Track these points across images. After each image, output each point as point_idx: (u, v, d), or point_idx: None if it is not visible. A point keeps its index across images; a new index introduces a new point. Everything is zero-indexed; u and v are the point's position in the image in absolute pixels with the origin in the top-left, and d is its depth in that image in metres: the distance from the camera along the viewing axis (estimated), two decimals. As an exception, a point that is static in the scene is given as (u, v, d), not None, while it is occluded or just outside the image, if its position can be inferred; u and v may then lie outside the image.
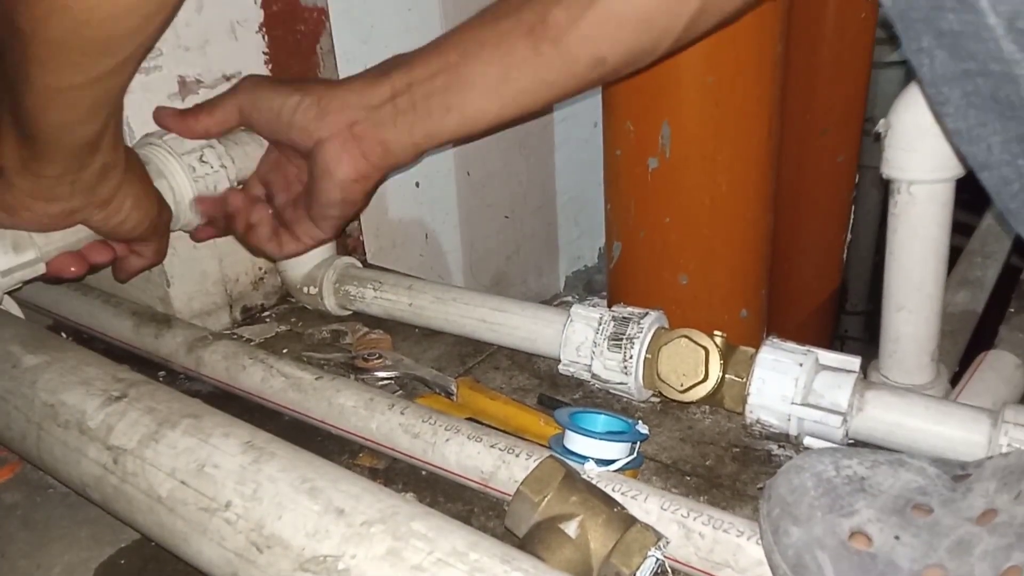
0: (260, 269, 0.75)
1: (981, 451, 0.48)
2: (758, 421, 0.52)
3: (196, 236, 0.67)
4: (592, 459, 0.47)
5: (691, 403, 0.56)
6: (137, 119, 0.64)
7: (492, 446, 0.49)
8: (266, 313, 0.76)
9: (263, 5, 0.71)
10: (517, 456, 0.48)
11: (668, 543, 0.42)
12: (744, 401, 0.52)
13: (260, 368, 0.59)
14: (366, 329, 0.70)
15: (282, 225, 0.66)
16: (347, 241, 0.88)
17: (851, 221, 1.40)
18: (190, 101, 0.67)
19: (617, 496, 0.44)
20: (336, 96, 0.59)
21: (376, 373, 0.63)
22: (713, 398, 0.54)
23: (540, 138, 1.14)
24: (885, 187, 0.65)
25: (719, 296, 0.87)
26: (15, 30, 0.43)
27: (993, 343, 0.80)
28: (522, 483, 0.42)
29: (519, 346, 0.63)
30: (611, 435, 0.49)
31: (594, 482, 0.44)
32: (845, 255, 1.41)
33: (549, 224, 1.21)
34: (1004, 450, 0.46)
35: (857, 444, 0.52)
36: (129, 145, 0.62)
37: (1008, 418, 0.47)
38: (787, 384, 0.51)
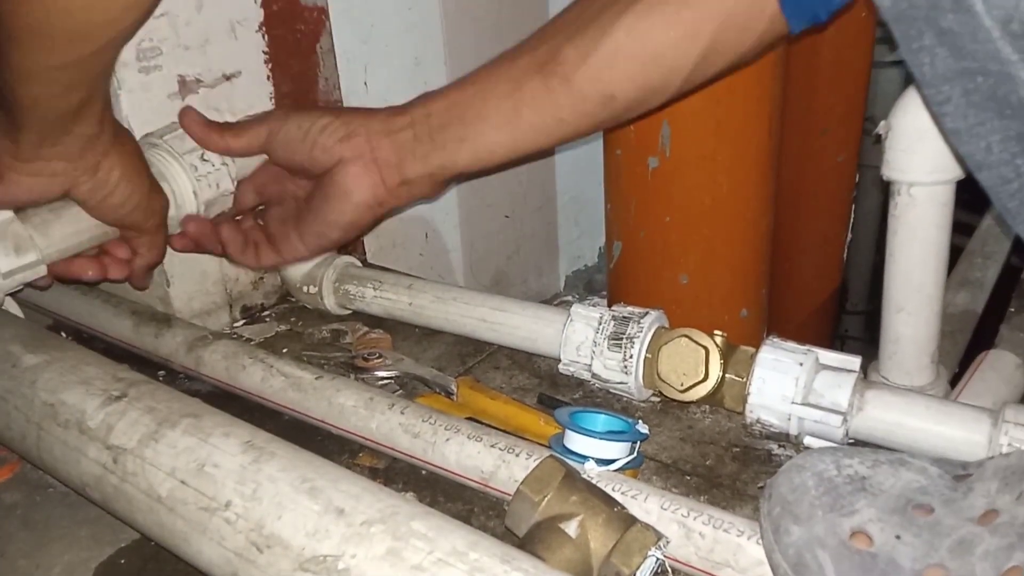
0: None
1: (981, 451, 0.48)
2: (758, 421, 0.52)
3: (173, 244, 0.67)
4: (592, 459, 0.47)
5: (691, 403, 0.56)
6: (137, 119, 0.64)
7: (492, 446, 0.49)
8: (266, 313, 0.76)
9: (263, 4, 0.71)
10: (517, 456, 0.48)
11: (668, 543, 0.42)
12: (744, 401, 0.52)
13: (260, 368, 0.59)
14: (366, 328, 0.70)
15: (266, 237, 0.67)
16: (347, 241, 0.88)
17: (851, 221, 1.40)
18: (190, 100, 0.67)
19: (617, 496, 0.44)
20: (362, 121, 0.61)
21: (376, 373, 0.63)
22: (713, 398, 0.54)
23: (540, 138, 1.13)
24: (885, 187, 0.65)
25: (719, 296, 0.87)
26: None
27: (993, 343, 0.79)
28: (522, 483, 0.42)
29: (519, 346, 0.63)
30: (611, 435, 0.49)
31: (594, 482, 0.44)
32: (845, 255, 1.41)
33: (549, 224, 1.21)
34: (1004, 450, 0.46)
35: (857, 444, 0.52)
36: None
37: (1008, 418, 0.47)
38: (787, 384, 0.51)
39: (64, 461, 0.46)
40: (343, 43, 0.81)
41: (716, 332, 0.54)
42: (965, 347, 0.92)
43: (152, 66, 0.64)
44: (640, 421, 0.51)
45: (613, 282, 0.94)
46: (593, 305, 0.59)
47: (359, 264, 0.74)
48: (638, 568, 0.39)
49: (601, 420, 0.51)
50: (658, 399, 0.60)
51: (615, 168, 0.87)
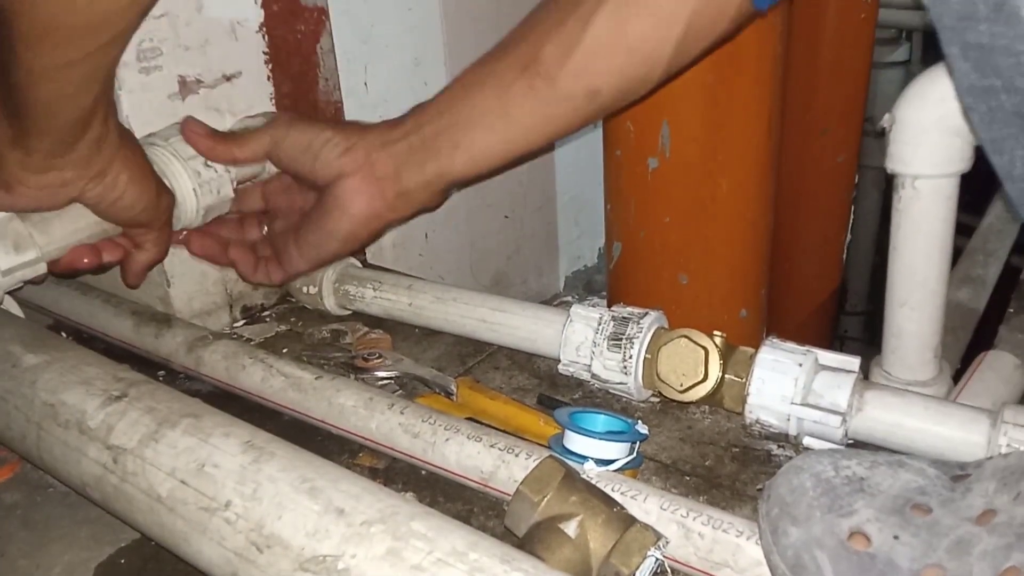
0: (260, 269, 0.75)
1: (980, 451, 0.48)
2: (757, 421, 0.52)
3: (191, 246, 0.68)
4: (592, 459, 0.47)
5: (691, 403, 0.56)
6: (137, 119, 0.64)
7: (492, 446, 0.49)
8: (266, 313, 0.76)
9: (263, 5, 0.71)
10: (517, 456, 0.48)
11: (668, 543, 0.42)
12: (744, 401, 0.52)
13: (260, 368, 0.59)
14: (366, 329, 0.70)
15: (273, 251, 0.67)
16: (347, 241, 0.88)
17: (851, 221, 1.40)
18: (190, 101, 0.67)
19: (617, 496, 0.44)
20: (360, 135, 0.62)
21: (376, 373, 0.63)
22: (713, 398, 0.54)
23: (540, 138, 1.13)
24: (885, 187, 0.65)
25: (719, 296, 0.87)
26: (0, 11, 0.44)
27: (993, 343, 0.80)
28: (522, 483, 0.42)
29: (519, 346, 0.63)
30: (611, 435, 0.49)
31: (594, 482, 0.44)
32: (845, 255, 1.41)
33: (549, 224, 1.21)
34: (1003, 450, 0.46)
35: (857, 444, 0.52)
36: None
37: (1007, 418, 0.47)
38: (787, 384, 0.51)
39: (64, 461, 0.47)
40: (343, 43, 0.81)
41: (715, 332, 0.54)
42: (967, 344, 0.92)
43: (152, 66, 0.64)
44: (640, 421, 0.51)
45: (613, 282, 0.94)
46: (593, 305, 0.59)
47: (359, 265, 0.74)
48: (637, 568, 0.39)
49: (601, 420, 0.51)
50: (658, 399, 0.60)
51: (615, 168, 0.87)
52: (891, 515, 0.37)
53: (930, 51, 1.74)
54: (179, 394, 0.47)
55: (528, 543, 0.40)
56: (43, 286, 0.68)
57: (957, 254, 1.08)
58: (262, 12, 0.71)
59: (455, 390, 0.59)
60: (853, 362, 0.52)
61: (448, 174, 0.61)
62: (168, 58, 0.65)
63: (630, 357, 0.56)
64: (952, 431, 0.49)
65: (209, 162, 0.64)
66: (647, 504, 0.44)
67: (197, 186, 0.64)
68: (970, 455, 0.48)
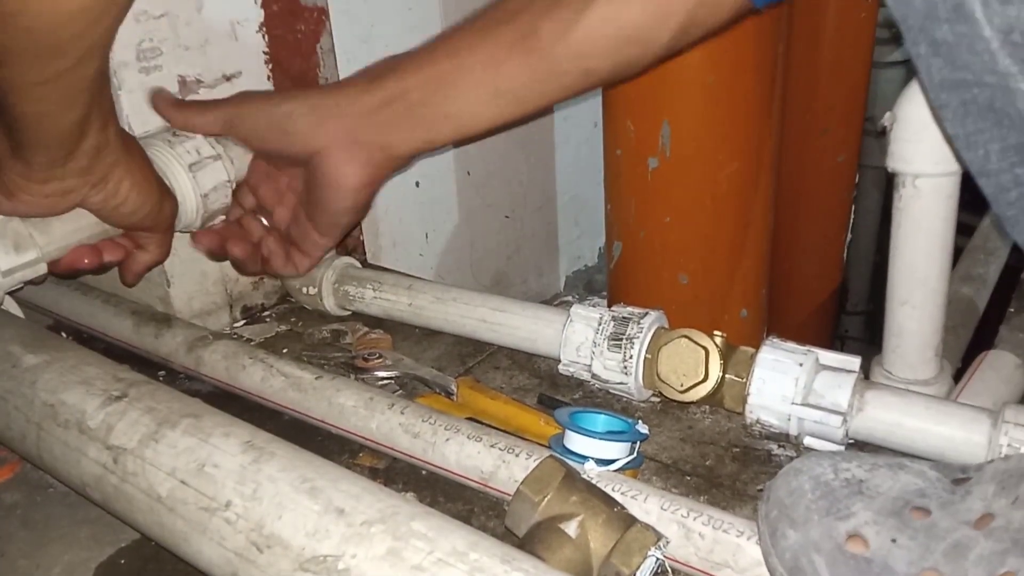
0: (260, 269, 0.75)
1: (981, 451, 0.48)
2: (758, 421, 0.52)
3: (198, 241, 0.67)
4: (592, 459, 0.47)
5: (691, 403, 0.56)
6: (137, 119, 0.64)
7: (492, 446, 0.49)
8: (266, 313, 0.76)
9: (263, 5, 0.71)
10: (517, 456, 0.48)
11: (668, 543, 0.42)
12: (744, 401, 0.52)
13: (260, 368, 0.59)
14: (366, 329, 0.70)
15: (290, 243, 0.67)
16: (347, 241, 0.88)
17: (851, 221, 1.40)
18: (192, 99, 0.67)
19: (617, 496, 0.44)
20: (330, 104, 0.60)
21: (376, 373, 0.63)
22: (713, 398, 0.54)
23: (540, 138, 1.14)
24: (885, 187, 0.65)
25: (719, 296, 0.87)
26: None
27: (993, 343, 0.80)
28: (522, 483, 0.42)
29: (519, 346, 0.63)
30: (611, 435, 0.49)
31: (594, 482, 0.44)
32: (845, 255, 1.41)
33: (549, 224, 1.21)
34: (1004, 450, 0.46)
35: (857, 444, 0.52)
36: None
37: (1008, 418, 0.47)
38: (787, 384, 0.51)
39: (64, 461, 0.46)
40: (343, 43, 0.81)
41: (716, 332, 0.54)
42: (968, 343, 0.92)
43: (152, 66, 0.64)
44: (640, 421, 0.51)
45: (613, 282, 0.94)
46: (593, 305, 0.59)
47: (358, 265, 0.74)
48: (638, 568, 0.39)
49: (601, 420, 0.51)
50: (658, 399, 0.60)
51: (615, 168, 0.87)
52: (889, 517, 0.37)
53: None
54: (179, 394, 0.47)
55: (528, 543, 0.40)
56: (43, 286, 0.68)
57: (957, 253, 1.08)
58: (262, 12, 0.71)
59: (455, 390, 0.59)
60: (854, 362, 0.52)
61: (435, 141, 0.60)
62: (168, 58, 0.65)
63: (630, 357, 0.55)
64: (953, 431, 0.49)
65: (200, 149, 0.64)
66: (647, 504, 0.44)
67: (198, 186, 0.64)
68: (971, 455, 0.48)
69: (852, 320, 1.94)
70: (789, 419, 0.51)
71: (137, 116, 0.64)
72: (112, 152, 0.55)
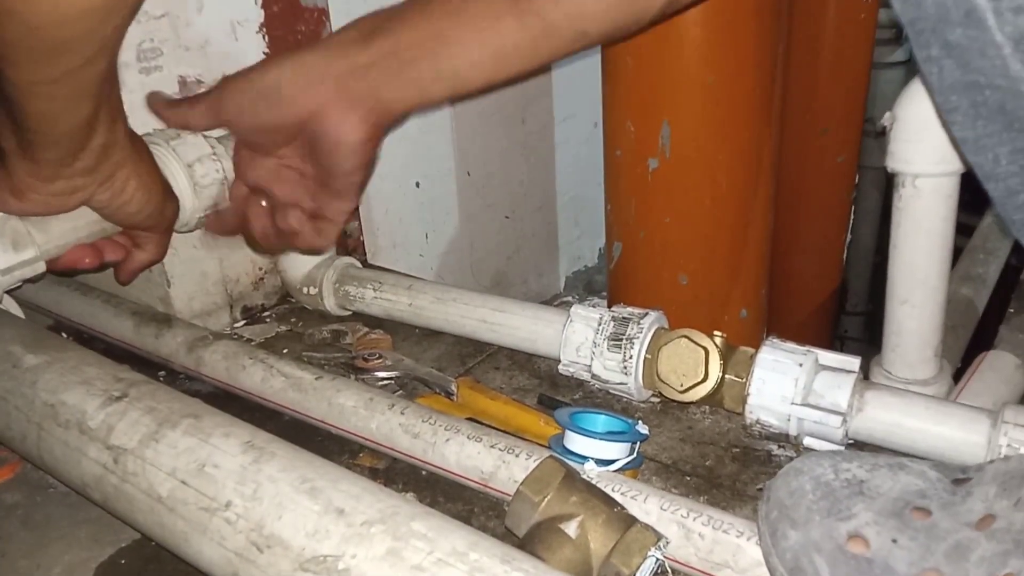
0: (260, 269, 0.75)
1: (981, 451, 0.48)
2: (758, 421, 0.52)
3: (209, 226, 0.66)
4: (592, 459, 0.47)
5: (691, 403, 0.56)
6: (137, 119, 0.64)
7: (492, 446, 0.49)
8: (266, 313, 0.76)
9: (263, 5, 0.71)
10: (517, 456, 0.48)
11: (668, 543, 0.42)
12: (744, 401, 0.52)
13: (260, 368, 0.59)
14: (366, 329, 0.70)
15: (313, 217, 0.63)
16: (347, 241, 0.88)
17: (851, 221, 1.40)
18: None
19: (617, 496, 0.44)
20: (317, 63, 0.58)
21: (376, 373, 0.63)
22: (713, 398, 0.54)
23: (540, 138, 1.14)
24: (885, 187, 0.65)
25: (719, 296, 0.87)
26: None
27: (993, 343, 0.80)
28: (522, 483, 0.42)
29: (519, 346, 0.63)
30: (611, 435, 0.49)
31: (594, 482, 0.44)
32: (845, 255, 1.41)
33: (549, 224, 1.21)
34: (1004, 451, 0.46)
35: (857, 444, 0.52)
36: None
37: (1008, 418, 0.47)
38: (787, 384, 0.51)
39: (65, 461, 0.47)
40: (343, 43, 0.81)
41: (716, 333, 0.54)
42: (967, 343, 0.92)
43: (152, 67, 0.64)
44: (640, 422, 0.51)
45: (613, 283, 0.94)
46: (593, 306, 0.59)
47: (359, 265, 0.74)
48: (638, 568, 0.39)
49: (601, 421, 0.51)
50: (658, 400, 0.60)
51: (615, 168, 0.87)
52: (890, 518, 0.37)
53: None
54: (179, 394, 0.47)
55: (528, 543, 0.40)
56: (43, 286, 0.68)
57: (957, 254, 1.08)
58: (262, 12, 0.71)
59: (455, 390, 0.59)
60: (853, 362, 0.52)
61: (428, 98, 0.59)
62: (168, 58, 0.65)
63: (630, 357, 0.56)
64: (952, 431, 0.49)
65: (208, 163, 0.64)
66: (647, 504, 0.44)
67: (195, 186, 0.64)
68: (970, 455, 0.48)
69: (852, 320, 1.94)
70: (789, 419, 0.51)
71: (137, 117, 0.64)
72: (120, 150, 0.55)
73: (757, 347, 0.53)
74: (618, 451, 0.48)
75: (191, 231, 0.68)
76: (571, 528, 0.40)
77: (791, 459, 0.41)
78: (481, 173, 1.05)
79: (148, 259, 0.63)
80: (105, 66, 0.49)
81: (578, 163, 1.19)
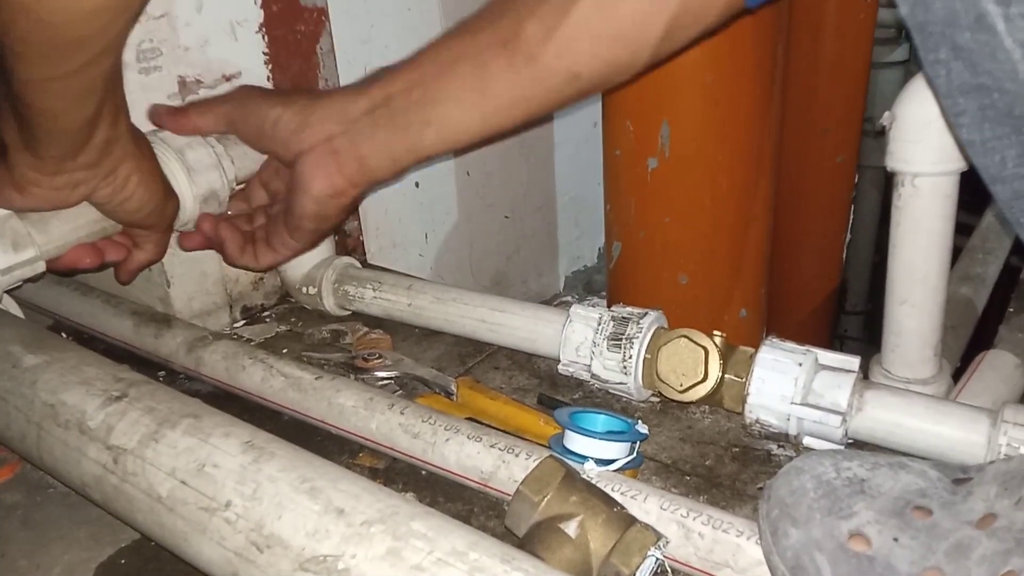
0: (260, 269, 0.75)
1: (981, 451, 0.48)
2: (757, 421, 0.52)
3: (182, 244, 0.67)
4: (592, 459, 0.47)
5: (691, 403, 0.56)
6: (137, 119, 0.64)
7: (492, 446, 0.49)
8: (266, 313, 0.76)
9: (263, 5, 0.71)
10: (517, 456, 0.48)
11: (668, 543, 0.42)
12: (744, 401, 0.52)
13: (260, 368, 0.59)
14: (366, 329, 0.70)
15: (265, 235, 0.66)
16: (347, 241, 0.88)
17: (851, 221, 1.40)
18: (190, 101, 0.67)
19: (617, 496, 0.44)
20: (316, 109, 0.60)
21: (376, 373, 0.63)
22: (712, 398, 0.54)
23: (540, 138, 1.14)
24: (885, 187, 0.65)
25: (719, 296, 0.87)
26: None
27: (993, 343, 0.80)
28: (522, 483, 0.42)
29: (519, 346, 0.63)
30: (611, 435, 0.49)
31: (594, 482, 0.44)
32: (844, 255, 1.41)
33: (549, 224, 1.21)
34: (1004, 450, 0.46)
35: (857, 444, 0.52)
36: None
37: (1007, 418, 0.47)
38: (786, 384, 0.51)
39: (64, 461, 0.47)
40: (343, 43, 0.81)
41: (715, 332, 0.54)
42: (967, 343, 0.92)
43: (152, 67, 0.64)
44: (640, 421, 0.51)
45: (613, 282, 0.94)
46: (592, 306, 0.59)
47: (358, 265, 0.74)
48: (638, 568, 0.39)
49: (601, 420, 0.51)
50: (658, 399, 0.60)
51: (615, 168, 0.87)
52: (891, 517, 0.37)
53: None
54: (179, 394, 0.47)
55: (528, 543, 0.40)
56: (43, 286, 0.68)
57: (956, 253, 1.08)
58: (262, 12, 0.71)
59: (455, 390, 0.59)
60: (853, 361, 0.52)
61: (416, 152, 0.59)
62: (168, 58, 0.65)
63: (630, 357, 0.56)
64: (952, 431, 0.49)
65: (207, 162, 0.64)
66: (647, 504, 0.44)
67: (195, 185, 0.64)
68: (970, 455, 0.48)
69: (851, 320, 1.94)
70: (788, 419, 0.51)
71: (137, 117, 0.64)
72: (122, 146, 0.56)
73: (757, 347, 0.53)
74: (618, 451, 0.48)
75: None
76: (571, 528, 0.40)
77: (791, 459, 0.41)
78: (481, 173, 1.05)
79: (148, 259, 0.64)
80: (111, 64, 0.49)
81: (578, 163, 1.19)
